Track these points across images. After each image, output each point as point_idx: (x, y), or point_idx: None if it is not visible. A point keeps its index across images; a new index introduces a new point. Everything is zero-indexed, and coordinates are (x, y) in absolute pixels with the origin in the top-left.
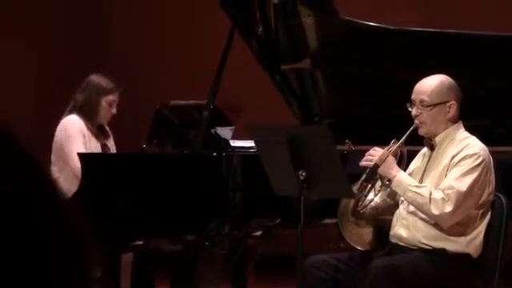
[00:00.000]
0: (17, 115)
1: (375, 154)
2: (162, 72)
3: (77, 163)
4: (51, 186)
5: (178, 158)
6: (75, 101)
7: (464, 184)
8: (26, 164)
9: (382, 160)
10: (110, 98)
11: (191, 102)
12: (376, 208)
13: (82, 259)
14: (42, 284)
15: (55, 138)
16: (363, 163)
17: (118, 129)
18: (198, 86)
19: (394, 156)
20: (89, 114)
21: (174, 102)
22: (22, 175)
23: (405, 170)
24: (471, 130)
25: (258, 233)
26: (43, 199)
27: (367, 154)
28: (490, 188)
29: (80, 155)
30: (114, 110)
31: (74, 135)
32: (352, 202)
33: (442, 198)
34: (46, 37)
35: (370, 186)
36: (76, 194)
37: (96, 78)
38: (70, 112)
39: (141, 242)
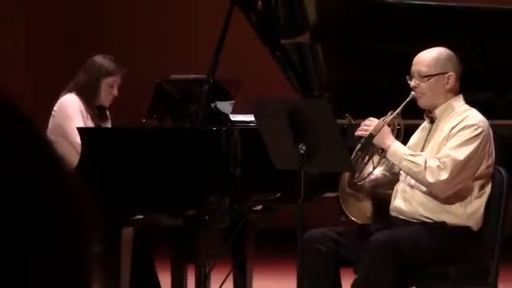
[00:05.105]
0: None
1: (370, 123)
2: (162, 46)
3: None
4: (53, 153)
5: (177, 132)
6: (77, 80)
7: (461, 153)
8: (26, 128)
9: (377, 130)
10: (111, 79)
11: (191, 76)
12: (375, 181)
13: (84, 233)
14: (43, 259)
15: (53, 117)
16: (358, 133)
17: (118, 103)
18: (198, 60)
19: (391, 127)
20: (88, 95)
21: (174, 76)
22: (21, 139)
23: (403, 144)
24: (471, 103)
25: (259, 207)
26: (45, 167)
27: (362, 123)
28: (490, 160)
29: (80, 130)
30: (116, 92)
31: (74, 115)
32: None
33: (438, 165)
34: (43, 12)
35: (367, 157)
36: (75, 168)
37: (98, 59)
38: (70, 91)
39: (141, 217)
